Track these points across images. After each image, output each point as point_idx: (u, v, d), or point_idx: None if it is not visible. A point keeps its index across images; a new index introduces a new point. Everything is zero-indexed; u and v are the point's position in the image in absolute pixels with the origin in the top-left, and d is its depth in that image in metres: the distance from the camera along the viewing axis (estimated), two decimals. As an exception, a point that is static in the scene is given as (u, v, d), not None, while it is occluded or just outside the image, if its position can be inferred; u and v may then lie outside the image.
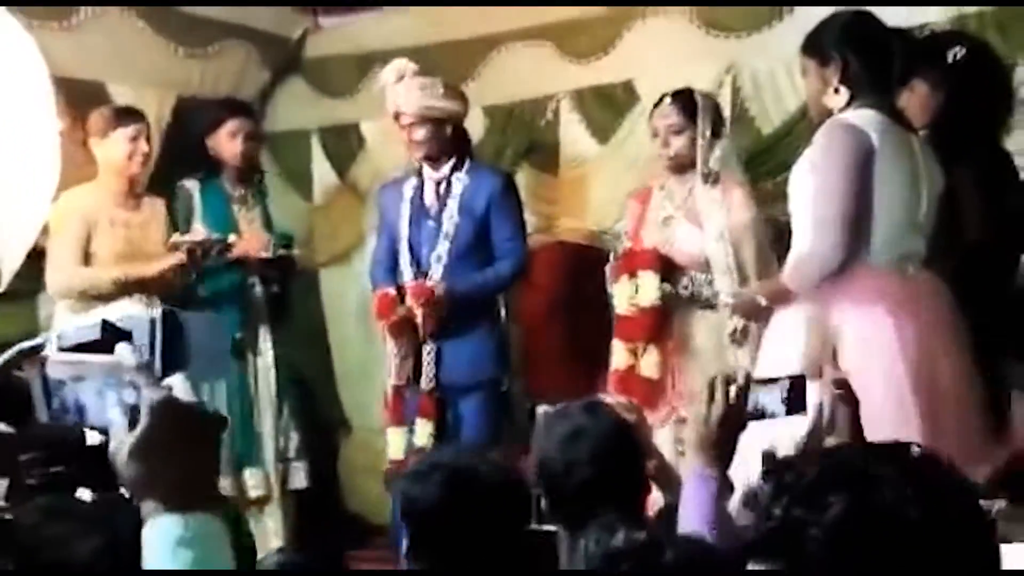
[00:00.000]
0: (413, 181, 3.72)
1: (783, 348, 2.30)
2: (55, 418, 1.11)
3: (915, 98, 2.58)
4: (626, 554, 1.22)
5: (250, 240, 3.76)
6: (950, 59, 2.56)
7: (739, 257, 3.25)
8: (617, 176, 3.99)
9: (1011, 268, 2.62)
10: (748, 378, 1.78)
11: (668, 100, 3.35)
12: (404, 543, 1.80)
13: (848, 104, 2.39)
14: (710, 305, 3.29)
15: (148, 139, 3.61)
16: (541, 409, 3.01)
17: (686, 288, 3.30)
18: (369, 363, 4.42)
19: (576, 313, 4.06)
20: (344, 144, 4.52)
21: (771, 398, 1.76)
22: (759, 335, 3.18)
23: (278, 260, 3.76)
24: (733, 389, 1.73)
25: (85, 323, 1.16)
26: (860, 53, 2.38)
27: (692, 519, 1.65)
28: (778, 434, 1.74)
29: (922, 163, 2.41)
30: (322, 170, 4.58)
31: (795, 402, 1.75)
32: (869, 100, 2.38)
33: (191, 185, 3.84)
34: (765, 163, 3.76)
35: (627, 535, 1.24)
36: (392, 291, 3.63)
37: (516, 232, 3.65)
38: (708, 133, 3.31)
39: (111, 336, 1.10)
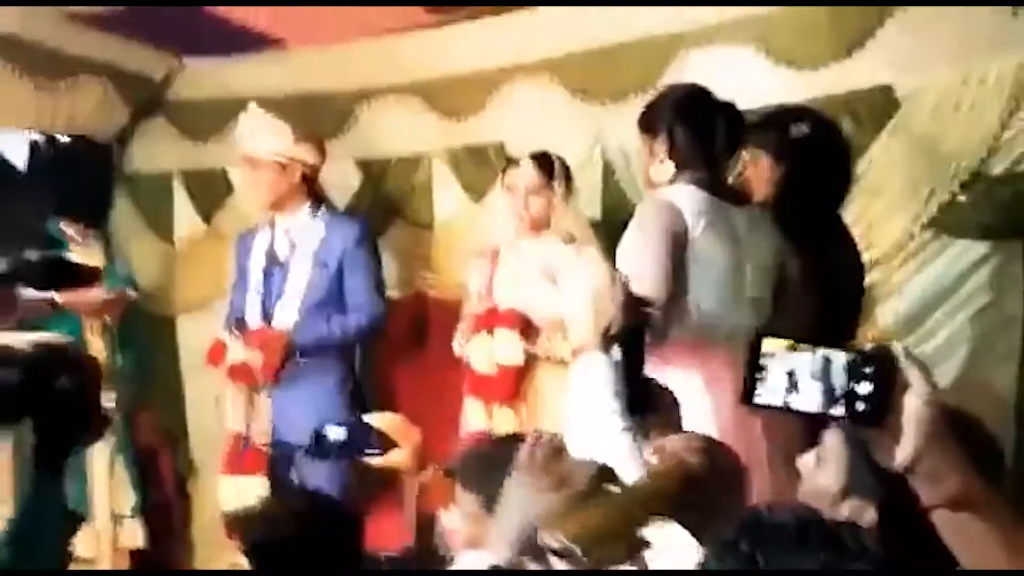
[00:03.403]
0: (266, 230, 3.66)
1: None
2: None
3: (757, 170, 2.60)
4: None
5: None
6: (792, 134, 2.59)
7: (598, 314, 3.24)
8: (491, 234, 3.95)
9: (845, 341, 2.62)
10: (561, 439, 1.78)
11: (528, 160, 3.37)
12: None
13: (674, 178, 2.39)
14: (564, 363, 3.25)
15: None
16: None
17: (543, 348, 3.29)
18: (225, 415, 4.28)
19: (443, 369, 3.99)
20: (210, 189, 4.41)
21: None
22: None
23: (115, 302, 3.61)
24: (542, 450, 1.72)
25: None
26: (685, 127, 2.39)
27: None
28: None
29: (746, 238, 2.41)
30: (185, 214, 4.45)
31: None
32: (692, 175, 2.38)
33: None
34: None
35: None
36: (224, 337, 3.52)
37: (370, 284, 3.60)
38: (564, 194, 3.36)
39: None
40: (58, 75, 3.83)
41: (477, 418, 3.32)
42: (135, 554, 3.76)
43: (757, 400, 1.17)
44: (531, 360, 3.29)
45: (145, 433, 4.08)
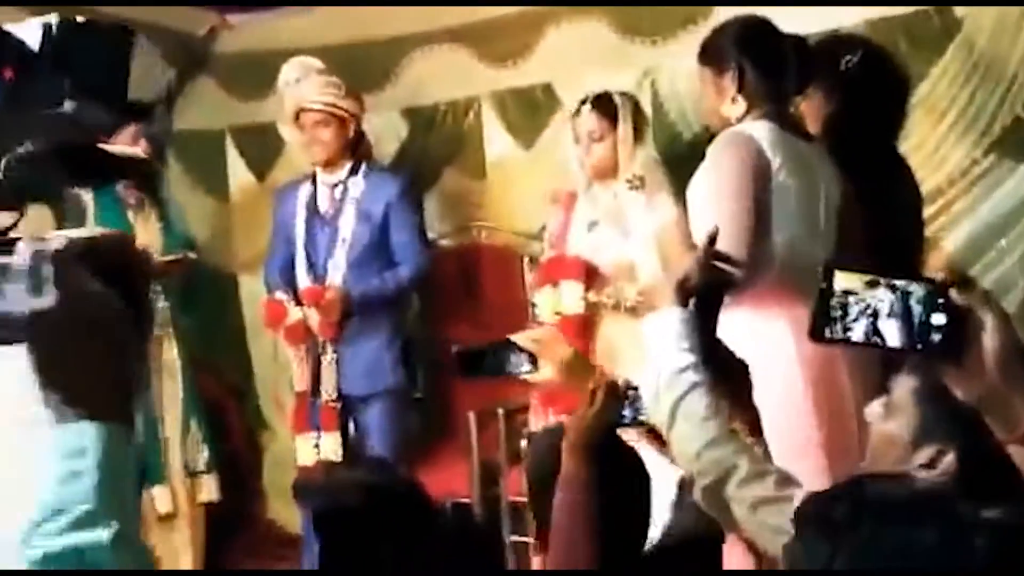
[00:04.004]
0: (307, 186, 3.64)
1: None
2: None
3: (810, 105, 2.53)
4: None
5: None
6: (843, 66, 2.50)
7: (666, 261, 3.15)
8: (544, 179, 3.92)
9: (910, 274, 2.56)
10: (628, 385, 1.78)
11: (587, 107, 3.26)
12: (317, 553, 1.85)
13: (745, 114, 2.32)
14: (634, 312, 3.14)
15: None
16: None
17: (610, 296, 3.21)
18: (290, 368, 4.34)
19: (497, 317, 3.99)
20: (261, 145, 4.41)
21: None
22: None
23: (176, 264, 3.64)
24: (601, 395, 1.75)
25: None
26: (755, 62, 2.31)
27: (561, 520, 1.68)
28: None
29: (819, 173, 2.36)
30: (238, 170, 4.47)
31: None
32: (764, 110, 2.32)
33: (84, 192, 3.71)
34: (687, 167, 3.71)
35: None
36: (282, 297, 3.54)
37: (415, 236, 3.60)
38: (631, 137, 3.22)
39: None
40: (104, 39, 3.83)
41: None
42: (209, 507, 3.84)
43: (827, 335, 1.15)
44: (598, 309, 3.22)
45: (211, 388, 4.15)
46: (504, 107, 4.03)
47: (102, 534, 0.79)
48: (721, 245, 1.81)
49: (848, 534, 0.89)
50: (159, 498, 3.66)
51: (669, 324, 1.66)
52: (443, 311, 4.08)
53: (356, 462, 3.16)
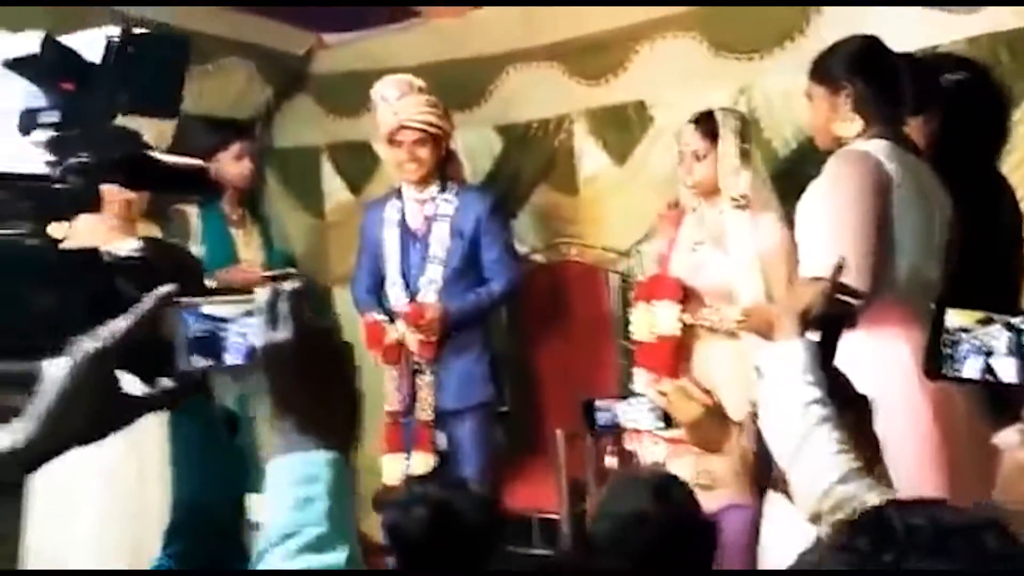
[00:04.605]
0: (395, 202, 3.67)
1: None
2: (198, 365, 0.99)
3: (913, 124, 2.48)
4: None
5: (246, 265, 3.74)
6: (943, 83, 2.46)
7: (769, 284, 3.11)
8: (636, 197, 3.92)
9: (1013, 296, 2.49)
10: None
11: (691, 126, 3.25)
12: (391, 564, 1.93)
13: (860, 133, 2.31)
14: (734, 335, 3.12)
15: None
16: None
17: (707, 318, 3.16)
18: (381, 383, 4.40)
19: (585, 334, 3.99)
20: (357, 162, 4.49)
21: None
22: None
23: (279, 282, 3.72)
24: (751, 424, 1.76)
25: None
26: (871, 81, 2.30)
27: (731, 547, 1.72)
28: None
29: (932, 190, 2.33)
30: (334, 187, 4.55)
31: None
32: (879, 129, 2.30)
33: (189, 209, 3.82)
34: (783, 185, 3.67)
35: None
36: (381, 317, 3.58)
37: (506, 252, 3.62)
38: (732, 155, 3.18)
39: None
40: (204, 58, 3.87)
41: (641, 389, 3.24)
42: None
43: (945, 373, 1.14)
44: (694, 331, 3.19)
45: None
46: (597, 124, 4.03)
47: (339, 556, 0.85)
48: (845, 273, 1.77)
49: (870, 562, 0.87)
50: (253, 506, 3.72)
51: (793, 356, 1.61)
52: (531, 326, 4.10)
53: (433, 477, 3.18)
